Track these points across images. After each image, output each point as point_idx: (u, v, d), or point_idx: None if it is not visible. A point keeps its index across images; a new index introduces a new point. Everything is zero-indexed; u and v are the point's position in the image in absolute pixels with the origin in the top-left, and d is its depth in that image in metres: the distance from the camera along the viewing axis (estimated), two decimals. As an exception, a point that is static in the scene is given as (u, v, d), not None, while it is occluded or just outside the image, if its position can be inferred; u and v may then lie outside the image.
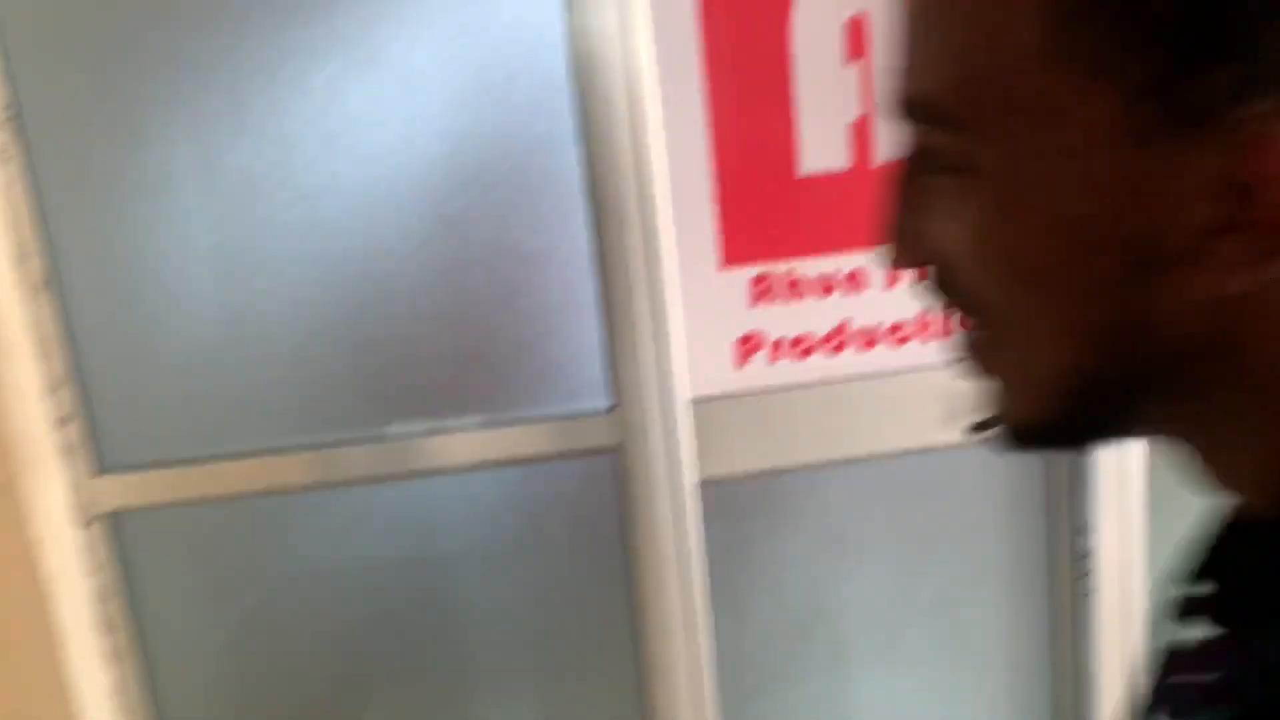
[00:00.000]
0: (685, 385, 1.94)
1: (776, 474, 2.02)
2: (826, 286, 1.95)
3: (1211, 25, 0.36)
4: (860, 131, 1.89)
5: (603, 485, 2.01)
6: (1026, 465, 2.10)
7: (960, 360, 0.51)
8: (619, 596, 2.05)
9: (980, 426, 0.50)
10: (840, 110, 1.88)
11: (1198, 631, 0.44)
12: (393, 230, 1.90)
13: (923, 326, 1.95)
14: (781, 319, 1.96)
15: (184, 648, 2.04)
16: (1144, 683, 0.48)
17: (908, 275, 0.52)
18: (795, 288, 1.95)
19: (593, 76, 1.82)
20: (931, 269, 0.49)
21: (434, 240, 1.91)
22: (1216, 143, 0.38)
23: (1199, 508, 0.47)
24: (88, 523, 1.94)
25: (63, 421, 1.90)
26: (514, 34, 1.85)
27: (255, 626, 2.04)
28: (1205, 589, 0.45)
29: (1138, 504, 2.04)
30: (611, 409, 1.95)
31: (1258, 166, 0.37)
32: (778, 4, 1.83)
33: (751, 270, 1.94)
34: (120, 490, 1.96)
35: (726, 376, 1.98)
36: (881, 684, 2.20)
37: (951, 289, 0.48)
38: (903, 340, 1.98)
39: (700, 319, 1.94)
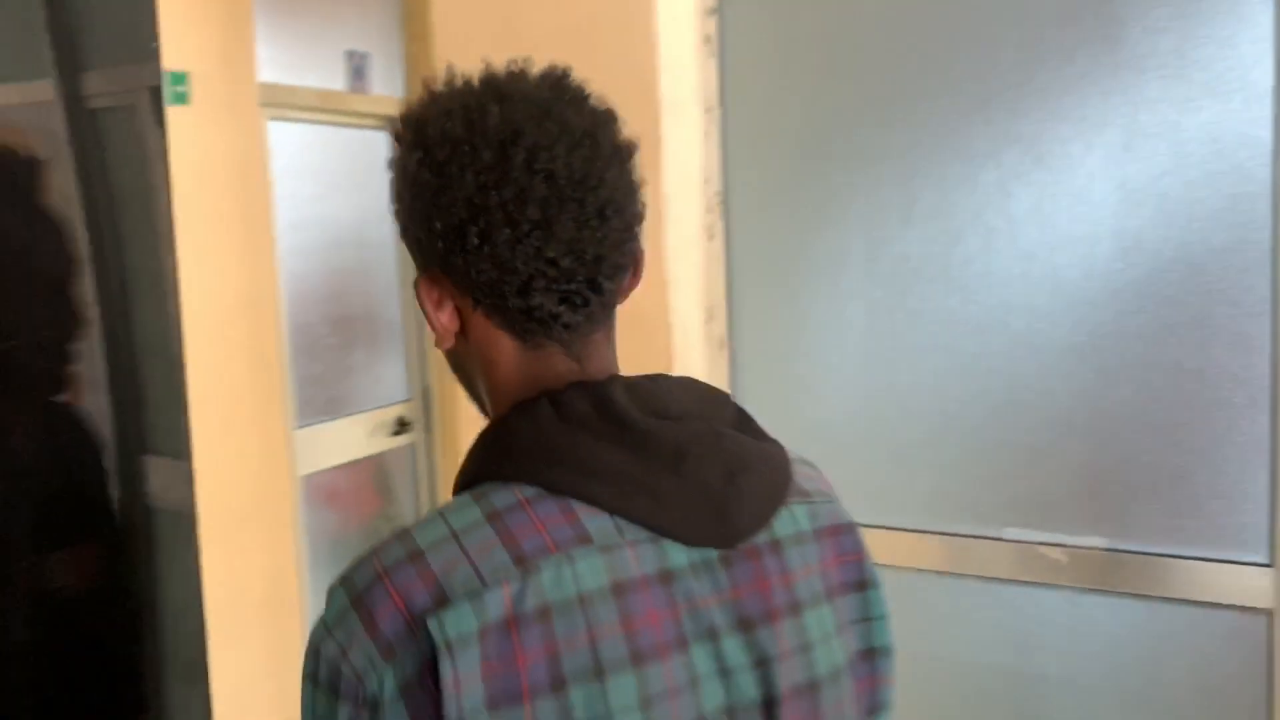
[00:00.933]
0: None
1: None
2: None
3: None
4: None
5: (1246, 644, 1.76)
6: None
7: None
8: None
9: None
10: None
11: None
12: (1043, 330, 1.86)
13: None
14: None
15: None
16: None
17: None
18: None
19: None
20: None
21: (1086, 345, 1.83)
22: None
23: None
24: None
25: (718, 463, 2.16)
26: (1209, 140, 1.70)
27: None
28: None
29: None
30: (1270, 565, 1.70)
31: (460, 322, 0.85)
32: None
33: None
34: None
35: None
36: None
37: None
38: None
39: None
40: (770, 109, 2.07)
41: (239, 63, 3.34)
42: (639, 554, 0.75)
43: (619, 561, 0.75)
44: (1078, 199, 1.81)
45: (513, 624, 0.70)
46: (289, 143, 3.65)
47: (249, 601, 3.36)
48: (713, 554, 0.79)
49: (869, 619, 0.93)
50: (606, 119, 0.88)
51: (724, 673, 0.77)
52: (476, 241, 0.79)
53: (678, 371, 2.05)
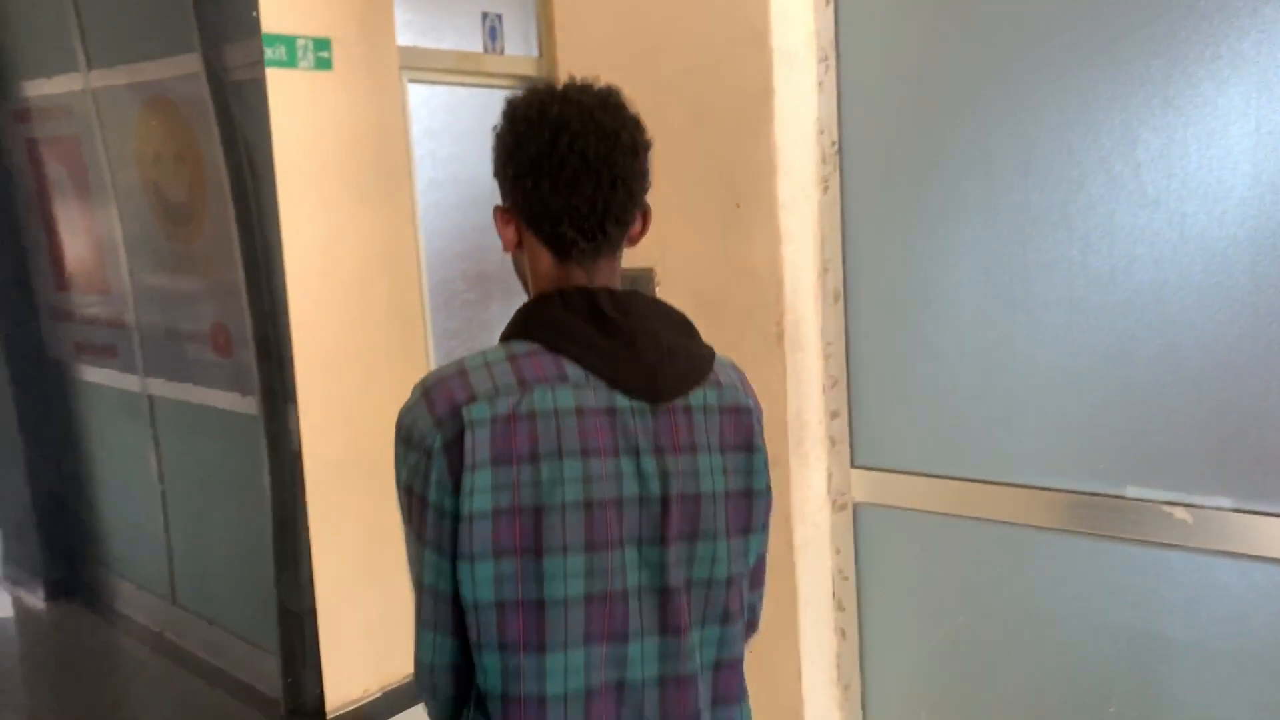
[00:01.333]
0: None
1: None
2: None
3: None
4: None
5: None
6: None
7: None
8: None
9: None
10: None
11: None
12: (1169, 281, 1.79)
13: None
14: None
15: (897, 640, 2.20)
16: None
17: None
18: None
19: None
20: None
21: (1215, 296, 1.75)
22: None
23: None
24: (837, 508, 2.19)
25: (832, 416, 2.17)
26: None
27: (962, 640, 2.11)
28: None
29: None
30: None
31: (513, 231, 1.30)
32: None
33: None
34: (870, 485, 2.17)
35: None
36: None
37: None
38: None
39: None
40: (887, 58, 2.03)
41: (379, 28, 3.46)
42: (596, 394, 1.21)
43: (583, 395, 1.20)
44: (1209, 142, 1.72)
45: (512, 419, 1.17)
46: (427, 104, 3.77)
47: (389, 542, 3.53)
48: (645, 405, 1.23)
49: (750, 471, 1.31)
50: (631, 124, 1.30)
51: (639, 475, 1.22)
52: (530, 186, 1.25)
53: (790, 325, 2.06)
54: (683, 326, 1.32)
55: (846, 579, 2.21)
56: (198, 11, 2.47)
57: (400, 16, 3.55)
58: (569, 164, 1.22)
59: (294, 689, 2.75)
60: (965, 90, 1.95)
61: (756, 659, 2.19)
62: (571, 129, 1.22)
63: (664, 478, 1.23)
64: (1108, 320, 1.85)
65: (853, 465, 2.17)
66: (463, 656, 1.26)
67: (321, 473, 2.99)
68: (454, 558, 1.19)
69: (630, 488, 1.22)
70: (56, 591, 2.70)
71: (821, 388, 2.16)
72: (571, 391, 1.19)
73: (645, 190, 1.33)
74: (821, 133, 2.09)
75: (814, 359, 2.14)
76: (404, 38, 3.58)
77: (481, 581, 1.18)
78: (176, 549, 2.82)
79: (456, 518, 1.18)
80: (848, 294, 2.13)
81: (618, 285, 1.31)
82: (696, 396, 1.28)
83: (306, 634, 2.85)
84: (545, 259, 1.28)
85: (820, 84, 2.08)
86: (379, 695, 3.51)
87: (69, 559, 2.72)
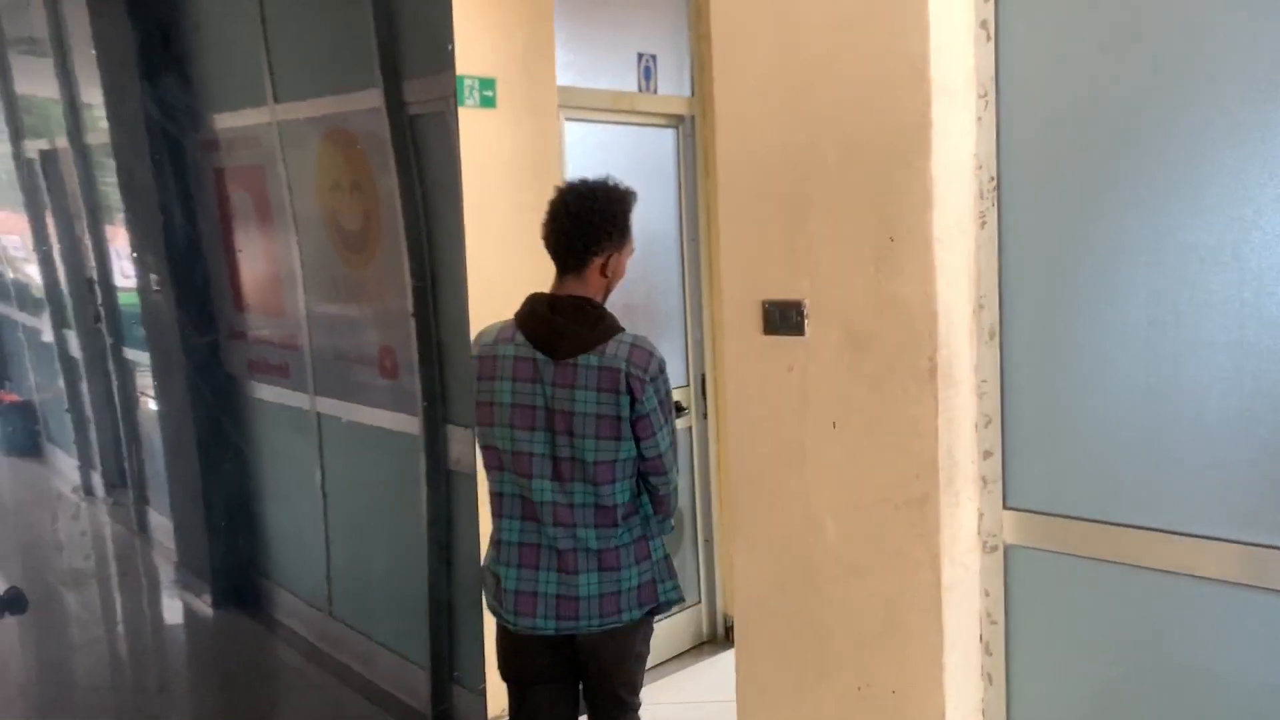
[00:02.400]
0: None
1: None
2: None
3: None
4: None
5: None
6: None
7: None
8: None
9: None
10: None
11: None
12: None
13: None
14: None
15: (1047, 689, 2.13)
16: None
17: None
18: None
19: None
20: None
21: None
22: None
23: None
24: (988, 549, 2.14)
25: (985, 455, 2.13)
26: None
27: (1116, 693, 2.04)
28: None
29: None
30: None
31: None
32: None
33: None
34: (1023, 527, 2.12)
35: None
36: None
37: None
38: None
39: None
40: (1049, 93, 2.01)
41: (541, 68, 3.60)
42: (521, 350, 2.40)
43: (520, 350, 2.40)
44: (1399, 180, 1.64)
45: (482, 357, 2.44)
46: (582, 141, 3.89)
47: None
48: (548, 359, 2.38)
49: (617, 404, 2.36)
50: (611, 196, 2.45)
51: (541, 395, 2.38)
52: (546, 232, 2.49)
53: (942, 361, 2.04)
54: (586, 321, 2.41)
55: (995, 623, 2.16)
56: (382, 49, 2.61)
57: (560, 57, 3.69)
58: (561, 217, 2.46)
59: (443, 703, 2.83)
60: (1132, 126, 1.91)
61: (900, 697, 2.16)
62: (568, 197, 2.48)
63: (553, 399, 2.38)
64: (1283, 363, 1.78)
65: (1005, 506, 2.13)
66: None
67: (465, 485, 3.10)
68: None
69: (538, 400, 2.40)
70: (223, 599, 2.85)
71: (974, 426, 2.12)
72: (513, 347, 2.42)
73: (608, 241, 2.44)
74: (980, 168, 2.08)
75: (967, 396, 2.11)
76: (563, 78, 3.72)
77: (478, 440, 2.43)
78: (335, 562, 2.94)
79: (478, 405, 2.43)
80: (1004, 331, 2.09)
81: (583, 294, 2.44)
82: (582, 359, 2.38)
83: (460, 652, 2.94)
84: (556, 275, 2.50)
85: (979, 119, 2.07)
86: (518, 715, 3.58)
87: (236, 568, 2.88)
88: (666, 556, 2.58)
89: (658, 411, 2.41)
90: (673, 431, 2.53)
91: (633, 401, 2.37)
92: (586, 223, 2.39)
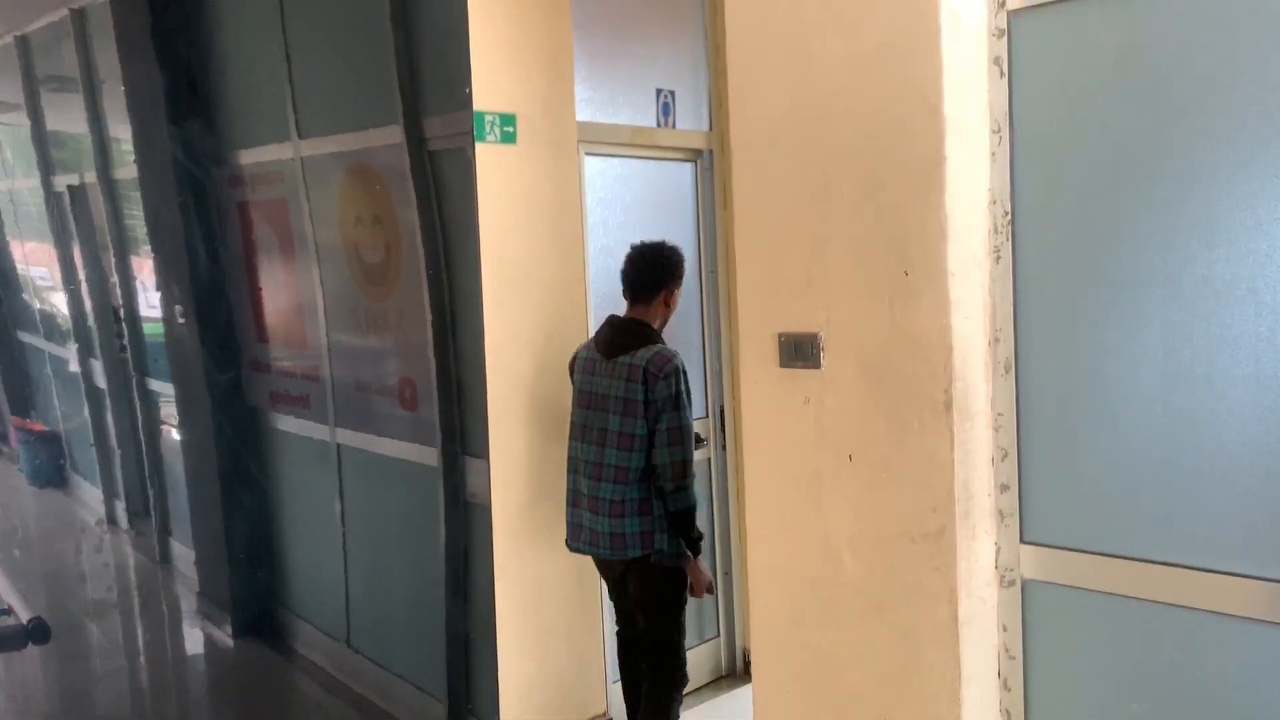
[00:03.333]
0: None
1: None
2: None
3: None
4: None
5: None
6: None
7: None
8: None
9: None
10: None
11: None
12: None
13: None
14: None
15: (1066, 727, 2.12)
16: None
17: None
18: None
19: None
20: None
21: None
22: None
23: None
24: (1005, 584, 2.14)
25: (1001, 488, 2.13)
26: None
27: (1137, 733, 2.02)
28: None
29: None
30: None
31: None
32: None
33: None
34: (1040, 562, 2.11)
35: None
36: None
37: None
38: None
39: None
40: (1063, 129, 2.03)
41: (560, 104, 3.64)
42: (591, 353, 3.28)
43: (590, 353, 3.29)
44: None
45: (574, 359, 3.36)
46: (602, 175, 3.93)
47: (552, 595, 3.61)
48: (603, 359, 3.22)
49: (635, 391, 3.14)
50: (672, 251, 3.36)
51: (595, 383, 3.22)
52: (627, 270, 3.36)
53: (958, 394, 2.05)
54: (633, 333, 3.23)
55: (1013, 658, 2.14)
56: (403, 87, 2.65)
57: (580, 93, 3.73)
58: (631, 267, 3.30)
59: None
60: (1146, 162, 1.92)
61: (917, 734, 2.15)
62: (632, 255, 3.32)
63: (601, 386, 3.19)
64: (1301, 398, 1.77)
65: (1022, 540, 2.12)
66: None
67: (482, 516, 3.12)
68: None
69: (594, 387, 3.21)
70: (243, 629, 2.87)
71: (991, 459, 2.12)
72: (587, 352, 3.29)
73: (662, 287, 3.29)
74: (994, 202, 2.09)
75: (983, 430, 2.11)
76: (583, 113, 3.76)
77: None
78: (354, 593, 2.96)
79: None
80: (1019, 364, 2.10)
81: (644, 319, 3.27)
82: (622, 358, 3.17)
83: (476, 684, 2.94)
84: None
85: (993, 154, 2.08)
86: (536, 748, 3.58)
87: (256, 598, 2.89)
88: (674, 519, 3.20)
89: (669, 401, 3.14)
90: (685, 430, 3.19)
91: (648, 391, 3.13)
92: (657, 266, 3.30)
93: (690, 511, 3.20)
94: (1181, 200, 1.88)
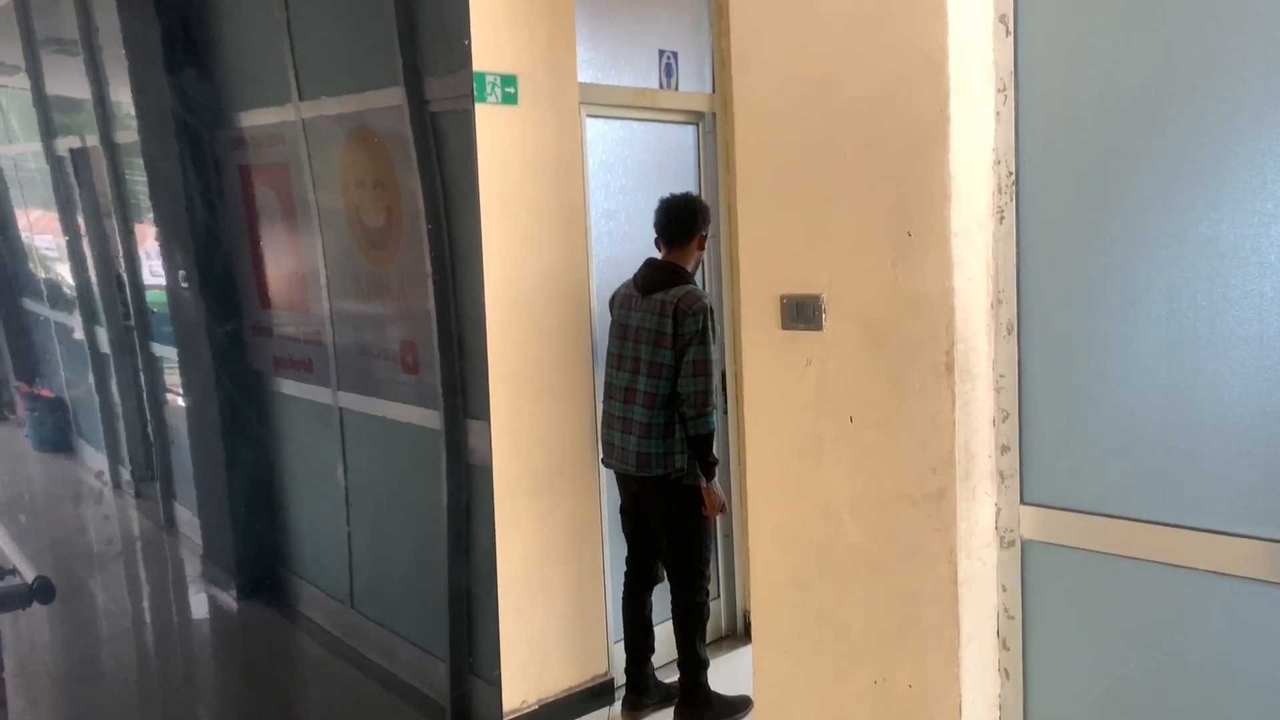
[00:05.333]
0: None
1: None
2: None
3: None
4: None
5: None
6: None
7: None
8: None
9: None
10: None
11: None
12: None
13: None
14: None
15: (1064, 684, 2.13)
16: None
17: None
18: None
19: None
20: None
21: None
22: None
23: None
24: (1005, 544, 2.14)
25: (1002, 450, 2.13)
26: None
27: (1135, 690, 2.03)
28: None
29: None
30: None
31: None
32: None
33: None
34: (1040, 523, 2.12)
35: None
36: None
37: None
38: None
39: None
40: (1068, 88, 2.01)
41: (562, 65, 3.61)
42: (629, 290, 3.66)
43: (629, 290, 3.67)
44: None
45: (614, 295, 3.78)
46: (603, 137, 3.90)
47: (554, 556, 3.63)
48: (640, 295, 3.60)
49: (661, 323, 3.51)
50: (693, 203, 3.70)
51: (631, 317, 3.61)
52: (660, 221, 3.72)
53: (960, 356, 2.05)
54: (668, 273, 3.58)
55: (1012, 618, 2.16)
56: (403, 47, 2.64)
57: (582, 54, 3.70)
58: (661, 214, 3.65)
59: (461, 697, 2.86)
60: (1152, 121, 1.91)
61: (917, 691, 2.16)
62: (666, 204, 3.64)
63: (635, 319, 3.56)
64: (1304, 358, 1.77)
65: (1022, 501, 2.13)
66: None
67: (483, 479, 3.12)
68: None
69: (630, 321, 3.59)
70: (247, 591, 2.89)
71: (992, 421, 2.13)
72: (624, 290, 3.68)
73: (694, 234, 3.65)
74: (998, 163, 2.08)
75: (985, 391, 2.11)
76: (585, 75, 3.73)
77: None
78: (356, 555, 2.97)
79: None
80: (1021, 326, 2.09)
81: (678, 262, 3.62)
82: (657, 294, 3.52)
83: (478, 644, 2.96)
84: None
85: (998, 114, 2.07)
86: (536, 707, 3.61)
87: (260, 561, 2.91)
88: (692, 443, 3.54)
89: (695, 335, 3.46)
90: (708, 363, 3.52)
91: (677, 325, 3.48)
92: (689, 214, 3.63)
93: (709, 436, 3.54)
94: (1187, 160, 1.86)
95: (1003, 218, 2.09)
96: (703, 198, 4.30)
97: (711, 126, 4.30)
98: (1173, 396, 1.94)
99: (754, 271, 2.40)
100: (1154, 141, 1.91)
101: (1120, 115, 1.95)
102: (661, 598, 3.76)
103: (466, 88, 2.68)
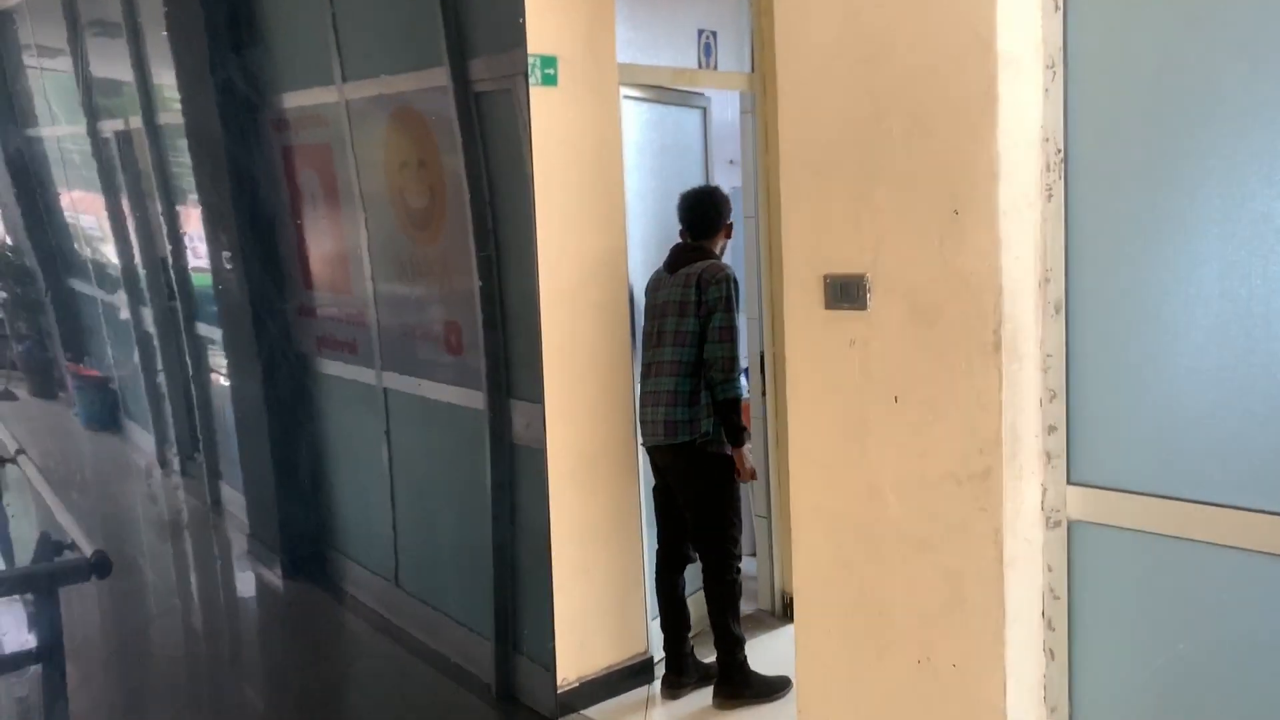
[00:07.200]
0: None
1: None
2: None
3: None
4: None
5: None
6: None
7: None
8: None
9: None
10: None
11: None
12: None
13: None
14: None
15: (1110, 665, 2.12)
16: None
17: None
18: None
19: None
20: None
21: None
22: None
23: None
24: (1051, 525, 2.13)
25: (1049, 430, 2.11)
26: None
27: (1182, 670, 2.02)
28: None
29: None
30: None
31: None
32: None
33: None
34: (1087, 503, 2.11)
35: None
36: None
37: None
38: None
39: None
40: (1119, 64, 1.98)
41: (602, 46, 3.61)
42: (660, 272, 3.73)
43: (662, 274, 3.72)
44: None
45: (648, 285, 3.79)
46: (642, 118, 3.90)
47: (595, 535, 3.65)
48: (669, 274, 3.67)
49: (686, 295, 3.57)
50: (714, 196, 3.77)
51: (661, 294, 3.68)
52: (687, 214, 3.80)
53: (1007, 335, 2.03)
54: (694, 252, 3.65)
55: (1058, 598, 2.14)
56: (449, 27, 2.64)
57: (621, 34, 3.69)
58: (685, 205, 3.75)
59: (507, 674, 2.89)
60: (1205, 96, 1.88)
61: (961, 671, 2.16)
62: (689, 198, 3.74)
63: (665, 295, 3.62)
64: (1361, 337, 1.74)
65: (1069, 482, 2.11)
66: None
67: (529, 458, 3.14)
68: None
69: (659, 298, 3.65)
70: (293, 570, 2.93)
71: (1039, 401, 2.11)
72: (655, 272, 3.74)
73: (718, 224, 3.72)
74: (1046, 140, 2.05)
75: (1032, 371, 2.10)
76: (624, 55, 3.72)
77: None
78: (401, 534, 3.01)
79: None
80: (1070, 305, 2.07)
81: (704, 248, 3.66)
82: (683, 269, 3.59)
83: (525, 624, 2.99)
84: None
85: (1046, 90, 2.05)
86: (576, 684, 3.64)
87: (306, 540, 2.95)
88: (720, 408, 3.57)
89: (720, 302, 3.53)
90: (734, 329, 3.57)
91: (700, 293, 3.54)
92: (712, 208, 3.71)
93: (736, 401, 3.56)
94: (1241, 135, 1.83)
95: (1051, 195, 2.06)
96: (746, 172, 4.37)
97: (750, 106, 4.28)
98: (1223, 377, 1.91)
99: (797, 251, 2.39)
100: (1206, 116, 1.88)
101: (1172, 90, 1.92)
102: (693, 571, 3.78)
103: (518, 66, 2.68)
